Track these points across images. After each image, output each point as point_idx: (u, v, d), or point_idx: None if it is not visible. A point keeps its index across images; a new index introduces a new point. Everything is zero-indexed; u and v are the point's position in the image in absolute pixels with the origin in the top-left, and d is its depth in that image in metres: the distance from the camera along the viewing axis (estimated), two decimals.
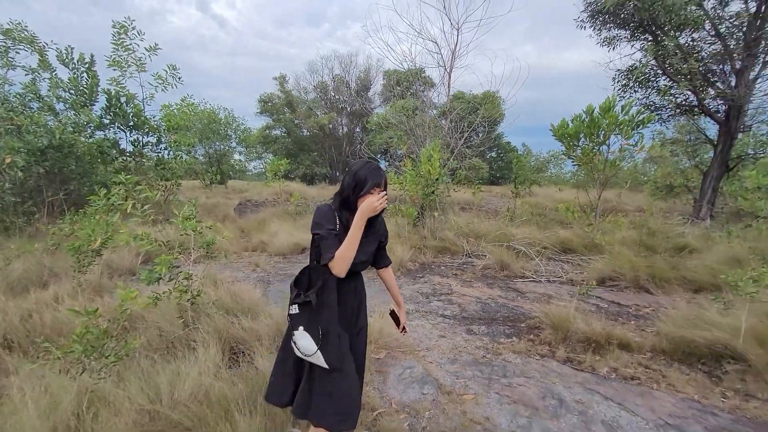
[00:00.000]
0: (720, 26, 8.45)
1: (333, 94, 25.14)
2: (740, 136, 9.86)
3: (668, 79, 8.80)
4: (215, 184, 16.66)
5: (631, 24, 8.64)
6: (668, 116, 9.84)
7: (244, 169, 26.05)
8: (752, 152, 10.09)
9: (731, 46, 8.45)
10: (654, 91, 9.34)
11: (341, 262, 1.56)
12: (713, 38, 8.61)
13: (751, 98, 8.78)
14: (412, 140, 8.57)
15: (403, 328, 2.07)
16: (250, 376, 2.42)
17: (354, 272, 1.71)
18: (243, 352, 2.89)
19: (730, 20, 8.37)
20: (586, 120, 6.70)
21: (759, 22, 7.99)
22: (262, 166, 25.04)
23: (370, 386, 2.67)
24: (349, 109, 25.22)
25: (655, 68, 8.90)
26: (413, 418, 2.38)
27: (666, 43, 7.99)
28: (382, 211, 1.64)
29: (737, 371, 2.91)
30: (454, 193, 9.54)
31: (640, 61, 8.76)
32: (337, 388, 1.60)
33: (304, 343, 1.56)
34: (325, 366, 1.56)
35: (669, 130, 13.78)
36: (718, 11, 8.51)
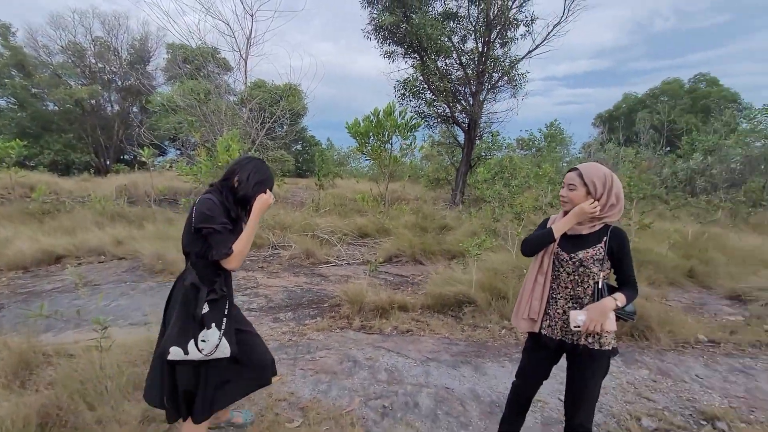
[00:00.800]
0: (462, 57, 11.17)
1: (94, 61, 20.04)
2: (478, 142, 13.33)
3: (432, 94, 11.05)
4: None
5: (405, 43, 10.41)
6: (434, 123, 12.37)
7: None
8: (484, 154, 13.79)
9: (469, 74, 11.29)
10: (423, 102, 11.55)
11: (240, 257, 1.61)
12: (459, 65, 11.30)
13: (482, 114, 11.99)
14: (206, 128, 7.86)
15: None
16: None
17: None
18: None
19: (468, 54, 11.18)
20: (374, 121, 7.73)
21: (483, 58, 10.96)
22: None
23: None
24: (120, 83, 20.74)
25: (422, 83, 11.02)
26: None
27: (428, 64, 10.02)
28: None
29: (471, 311, 4.05)
30: None
31: (412, 76, 10.69)
32: (238, 371, 1.76)
33: (212, 341, 1.57)
34: (229, 355, 1.62)
35: (436, 134, 17.33)
36: (461, 45, 11.21)
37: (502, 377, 2.87)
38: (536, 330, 1.72)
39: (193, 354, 1.55)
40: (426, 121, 11.82)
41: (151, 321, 3.20)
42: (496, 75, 11.36)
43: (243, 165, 1.73)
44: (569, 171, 1.67)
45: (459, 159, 12.77)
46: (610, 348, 1.60)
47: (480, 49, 10.86)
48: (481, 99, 11.65)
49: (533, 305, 1.71)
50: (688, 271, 5.46)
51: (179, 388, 1.62)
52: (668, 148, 19.89)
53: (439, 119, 11.98)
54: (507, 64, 11.02)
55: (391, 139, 7.85)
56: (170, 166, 11.52)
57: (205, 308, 1.58)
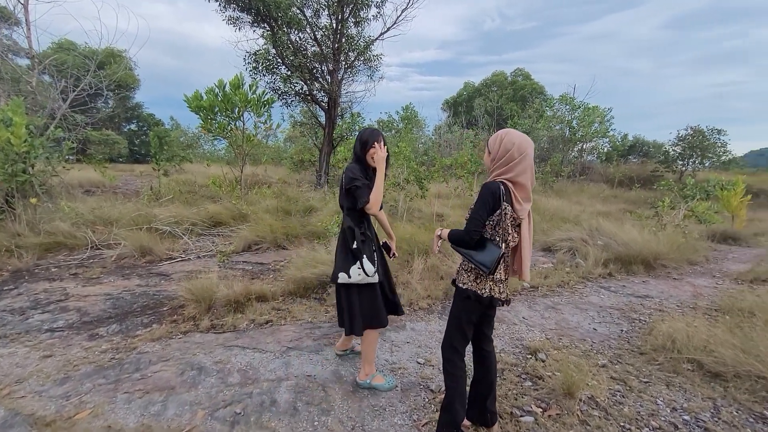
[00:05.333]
0: (317, 32, 10.78)
1: None
2: (339, 121, 13.27)
3: (287, 69, 10.42)
4: None
5: (251, 10, 9.45)
6: (292, 101, 11.75)
7: None
8: (346, 135, 13.84)
9: (325, 51, 11.01)
10: (279, 77, 10.82)
11: (376, 204, 2.11)
12: (314, 41, 10.89)
13: (341, 93, 11.92)
14: None
15: (393, 253, 2.51)
16: None
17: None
18: None
19: (323, 30, 10.85)
20: (220, 95, 6.84)
21: (338, 35, 10.81)
22: None
23: None
24: None
25: (276, 57, 10.27)
26: None
27: (281, 36, 9.35)
28: (389, 156, 2.29)
29: (334, 291, 3.94)
30: (68, 173, 7.39)
31: (264, 48, 9.85)
32: (379, 296, 2.26)
33: (369, 267, 2.13)
34: (377, 281, 2.20)
35: (297, 114, 16.65)
36: (314, 20, 10.79)
37: None
38: None
39: (354, 278, 2.14)
40: (283, 98, 11.14)
41: None
42: (352, 54, 11.36)
43: (357, 137, 2.27)
44: None
45: (322, 140, 12.53)
46: (463, 287, 1.81)
47: (334, 25, 10.64)
48: (339, 78, 11.54)
49: None
50: None
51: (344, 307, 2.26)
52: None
53: (298, 97, 11.44)
54: (362, 44, 11.10)
55: (243, 115, 7.09)
56: None
57: (356, 245, 2.14)
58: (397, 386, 2.43)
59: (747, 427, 2.00)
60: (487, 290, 1.75)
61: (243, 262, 5.19)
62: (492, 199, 1.66)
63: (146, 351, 2.84)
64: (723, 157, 16.96)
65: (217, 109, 6.84)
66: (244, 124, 7.32)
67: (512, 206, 1.69)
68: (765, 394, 2.21)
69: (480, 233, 1.70)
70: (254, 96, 7.12)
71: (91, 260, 4.99)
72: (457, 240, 1.79)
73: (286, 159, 17.57)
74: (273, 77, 10.92)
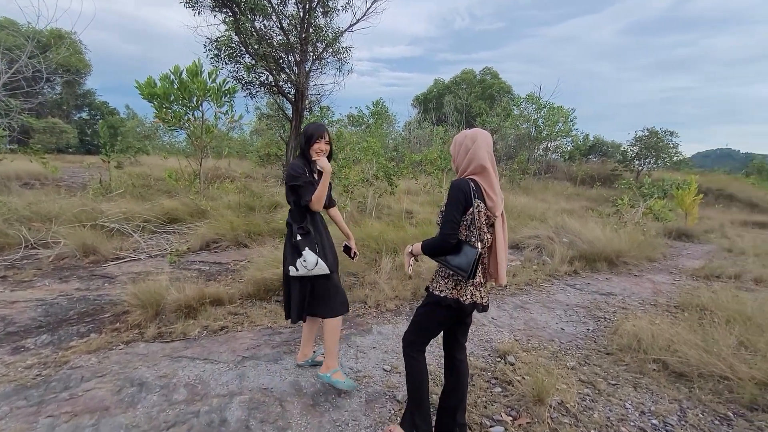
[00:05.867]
0: (283, 21, 10.34)
1: None
2: (307, 115, 12.87)
3: (251, 58, 9.92)
4: None
5: None
6: (256, 92, 11.24)
7: None
8: None
9: (292, 40, 10.58)
10: (242, 66, 10.29)
11: (318, 202, 2.20)
12: (280, 30, 10.44)
13: (309, 86, 11.54)
14: None
15: (355, 253, 2.54)
16: None
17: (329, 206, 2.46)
18: None
19: (289, 19, 10.41)
20: (176, 82, 6.37)
21: (306, 25, 10.42)
22: None
23: None
24: None
25: (239, 45, 9.75)
26: None
27: (244, 23, 8.87)
28: (331, 153, 2.33)
29: None
30: (3, 164, 6.70)
31: (225, 35, 9.31)
32: (334, 285, 2.29)
33: (311, 260, 2.16)
34: (327, 272, 2.21)
35: (263, 106, 16.04)
36: (281, 8, 10.34)
37: None
38: None
39: (301, 270, 2.18)
40: (247, 89, 10.64)
41: None
42: (321, 45, 11.00)
43: (302, 131, 2.27)
44: None
45: (289, 133, 12.11)
46: (441, 295, 1.67)
47: (301, 14, 10.24)
48: (307, 69, 11.16)
49: None
50: None
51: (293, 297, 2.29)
52: (468, 128, 23.74)
53: (263, 88, 10.96)
54: (330, 35, 10.77)
55: (201, 105, 6.65)
56: None
57: (298, 237, 2.19)
58: (358, 389, 2.34)
59: (713, 430, 1.99)
60: (468, 296, 1.64)
61: (199, 261, 4.85)
62: (463, 197, 1.58)
63: (79, 365, 2.52)
64: (675, 158, 17.95)
65: (172, 97, 6.36)
66: (203, 115, 6.88)
67: (485, 203, 1.61)
68: (728, 395, 2.23)
69: (457, 236, 1.59)
70: (214, 85, 6.70)
71: (25, 261, 4.49)
72: (433, 250, 1.66)
73: (251, 152, 16.93)
74: (236, 66, 10.37)
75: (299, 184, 2.16)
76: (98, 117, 23.20)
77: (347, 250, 2.54)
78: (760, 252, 6.20)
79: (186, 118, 6.69)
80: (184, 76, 6.34)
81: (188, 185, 7.32)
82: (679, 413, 2.13)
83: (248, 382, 2.39)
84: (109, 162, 7.81)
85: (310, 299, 2.28)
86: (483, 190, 1.61)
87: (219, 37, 9.58)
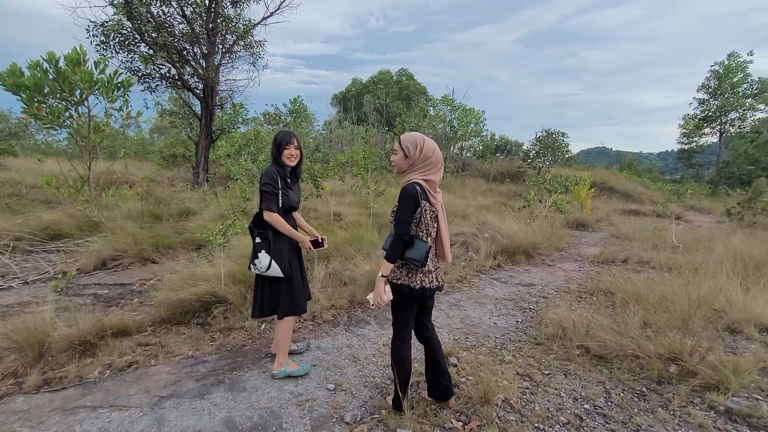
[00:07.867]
0: (186, 8, 9.35)
1: None
2: (219, 113, 11.85)
3: (148, 48, 8.79)
4: None
5: None
6: (156, 85, 10.02)
7: None
8: (227, 127, 12.47)
9: (197, 30, 9.64)
10: (138, 57, 9.07)
11: (271, 221, 2.33)
12: (182, 17, 9.42)
13: (219, 81, 10.63)
14: None
15: (323, 239, 2.60)
16: None
17: (292, 210, 2.50)
18: None
19: (192, 6, 9.45)
20: (51, 71, 5.32)
21: (212, 14, 9.56)
22: None
23: None
24: None
25: (133, 32, 8.57)
26: None
27: (137, 6, 7.80)
28: (299, 164, 2.49)
29: (221, 312, 3.34)
30: None
31: (113, 18, 8.09)
32: (289, 288, 2.44)
33: (264, 262, 2.31)
34: (281, 275, 2.35)
35: (166, 102, 14.39)
36: None
37: (264, 387, 2.40)
38: None
39: (255, 270, 2.38)
40: (145, 81, 9.43)
41: None
42: (231, 38, 10.21)
43: (272, 140, 2.40)
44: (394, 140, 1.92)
45: (198, 132, 11.04)
46: (398, 282, 1.93)
47: (207, 2, 9.36)
48: (216, 63, 10.27)
49: None
50: None
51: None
52: (387, 128, 24.15)
53: (165, 81, 9.81)
54: (241, 27, 10.05)
55: (87, 99, 5.65)
56: None
57: (258, 239, 2.36)
58: (310, 370, 2.59)
59: (633, 407, 2.21)
60: (418, 282, 1.93)
61: (95, 284, 4.12)
62: (413, 200, 1.85)
63: None
64: (567, 156, 20.38)
65: (47, 89, 5.31)
66: (90, 111, 5.86)
67: (429, 202, 1.90)
68: (641, 372, 2.50)
69: (409, 234, 1.88)
70: (103, 76, 5.75)
71: None
72: (395, 253, 1.88)
73: (152, 153, 15.11)
74: (130, 56, 9.12)
75: (266, 191, 2.31)
76: None
77: (316, 243, 2.57)
78: (639, 237, 7.29)
79: (67, 114, 5.64)
80: (61, 64, 5.32)
81: (74, 193, 6.20)
82: (605, 395, 2.34)
83: (169, 428, 2.04)
84: None
85: (263, 297, 2.45)
86: (427, 192, 1.89)
87: (106, 22, 8.31)
